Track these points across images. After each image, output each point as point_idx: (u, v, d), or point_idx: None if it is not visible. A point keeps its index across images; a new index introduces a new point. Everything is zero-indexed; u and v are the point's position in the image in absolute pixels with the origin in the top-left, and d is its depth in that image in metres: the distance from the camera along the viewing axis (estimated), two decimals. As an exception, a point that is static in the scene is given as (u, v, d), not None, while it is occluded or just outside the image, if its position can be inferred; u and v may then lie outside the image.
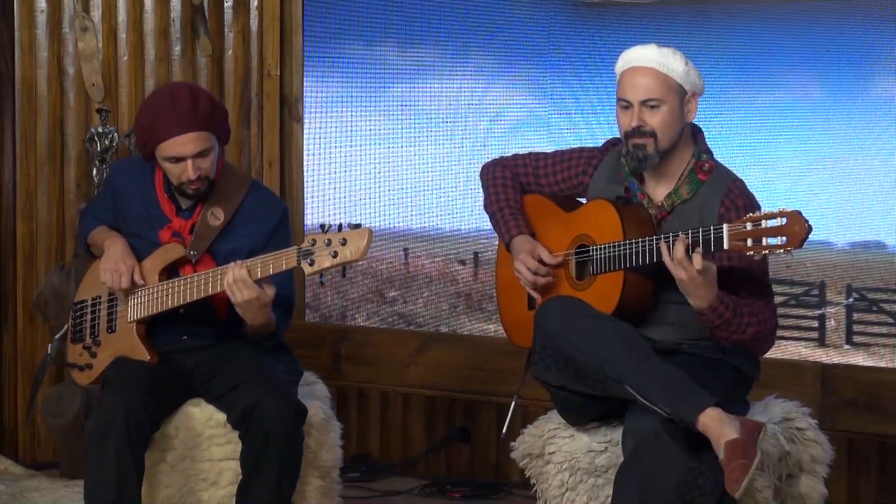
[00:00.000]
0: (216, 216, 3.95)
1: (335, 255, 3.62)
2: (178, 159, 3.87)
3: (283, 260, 3.72)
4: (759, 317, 3.58)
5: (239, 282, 3.74)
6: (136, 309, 3.97)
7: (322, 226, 3.58)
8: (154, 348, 3.97)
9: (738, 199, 3.65)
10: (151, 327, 3.99)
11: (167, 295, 3.91)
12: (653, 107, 3.63)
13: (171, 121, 3.85)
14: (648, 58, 3.64)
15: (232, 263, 3.78)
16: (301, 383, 4.08)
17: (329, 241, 3.63)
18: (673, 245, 3.48)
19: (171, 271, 3.95)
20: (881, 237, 4.56)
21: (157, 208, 4.02)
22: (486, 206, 3.98)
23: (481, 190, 4.02)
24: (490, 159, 4.06)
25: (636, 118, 3.63)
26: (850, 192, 4.57)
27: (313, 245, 3.65)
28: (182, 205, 4.01)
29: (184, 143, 3.86)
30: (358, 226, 3.72)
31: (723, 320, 3.53)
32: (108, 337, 4.03)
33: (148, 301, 3.95)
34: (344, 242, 3.61)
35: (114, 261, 3.98)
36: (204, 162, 3.89)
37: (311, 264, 3.65)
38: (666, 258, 3.49)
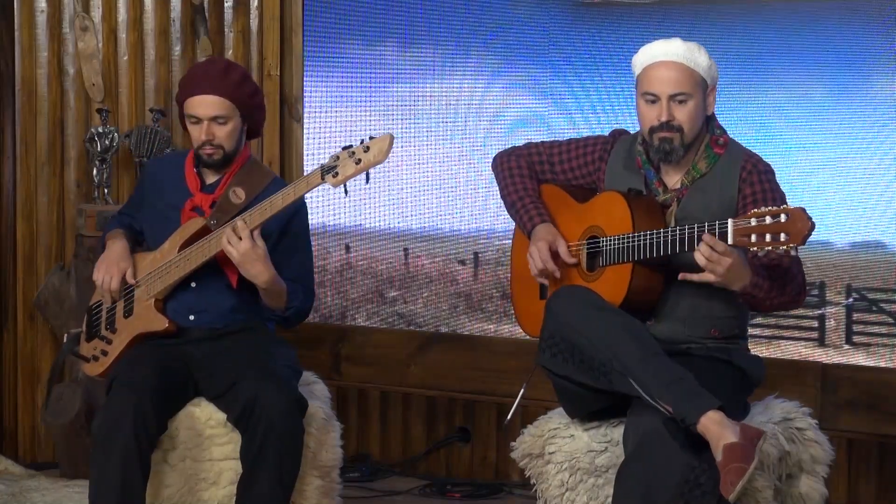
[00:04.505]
0: (238, 195, 4.02)
1: (358, 161, 3.72)
2: (197, 120, 4.00)
3: (305, 182, 3.83)
4: (790, 273, 3.60)
5: (233, 236, 3.83)
6: (155, 285, 4.02)
7: (345, 147, 3.73)
8: (171, 320, 4.02)
9: (759, 164, 3.69)
10: (164, 305, 4.05)
11: (184, 262, 3.97)
12: (681, 101, 3.65)
13: (199, 80, 4.01)
14: (675, 52, 3.66)
15: (232, 220, 3.89)
16: (301, 383, 4.09)
17: (353, 152, 3.73)
18: (670, 246, 3.50)
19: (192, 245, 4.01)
20: (881, 237, 4.56)
21: (183, 185, 4.10)
22: (505, 196, 3.97)
23: (495, 181, 4.02)
24: (502, 149, 4.05)
25: (665, 112, 3.64)
26: (850, 192, 4.57)
27: (336, 160, 3.75)
28: (207, 181, 4.08)
29: (203, 104, 3.99)
30: None
31: (764, 291, 3.56)
32: (125, 321, 4.06)
33: (167, 274, 4.00)
34: (367, 150, 3.71)
35: (106, 263, 4.08)
36: (219, 129, 4.00)
37: (335, 176, 3.74)
38: (694, 278, 3.51)
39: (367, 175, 3.74)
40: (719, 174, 3.69)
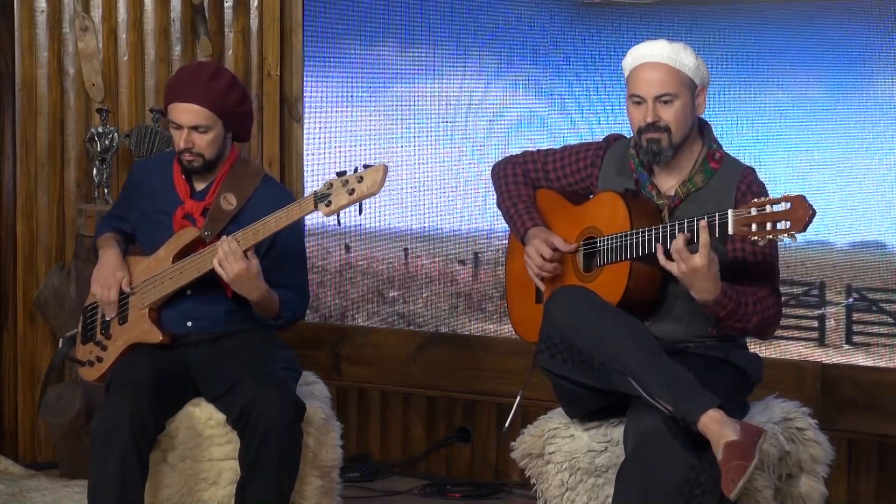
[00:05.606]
0: (229, 201, 4.02)
1: (352, 192, 3.70)
2: (178, 126, 3.98)
3: (298, 207, 3.81)
4: (763, 304, 3.60)
5: (230, 255, 3.81)
6: (149, 294, 4.01)
7: (339, 173, 3.71)
8: (166, 331, 4.01)
9: (754, 185, 3.69)
10: (158, 314, 4.04)
11: (178, 275, 3.97)
12: (666, 102, 3.65)
13: (183, 87, 3.98)
14: (660, 53, 3.66)
15: (223, 238, 3.86)
16: (301, 383, 4.09)
17: (346, 181, 3.71)
18: (671, 239, 3.50)
19: (186, 255, 4.00)
20: (881, 237, 4.56)
21: (172, 191, 4.08)
22: (500, 204, 3.99)
23: (493, 189, 4.03)
24: (500, 158, 4.07)
25: (650, 114, 3.65)
26: (850, 192, 4.57)
27: (330, 188, 3.73)
28: (196, 187, 4.07)
29: (183, 112, 3.96)
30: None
31: (727, 312, 3.55)
32: (120, 328, 4.06)
33: (161, 284, 3.99)
34: (360, 180, 3.69)
35: (103, 274, 4.08)
36: (199, 138, 3.98)
37: (329, 205, 3.73)
38: (662, 258, 3.51)
39: (361, 206, 3.73)
40: (715, 189, 3.69)
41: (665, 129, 3.66)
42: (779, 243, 3.62)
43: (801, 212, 3.34)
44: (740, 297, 3.56)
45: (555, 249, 3.80)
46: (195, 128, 3.96)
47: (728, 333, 3.65)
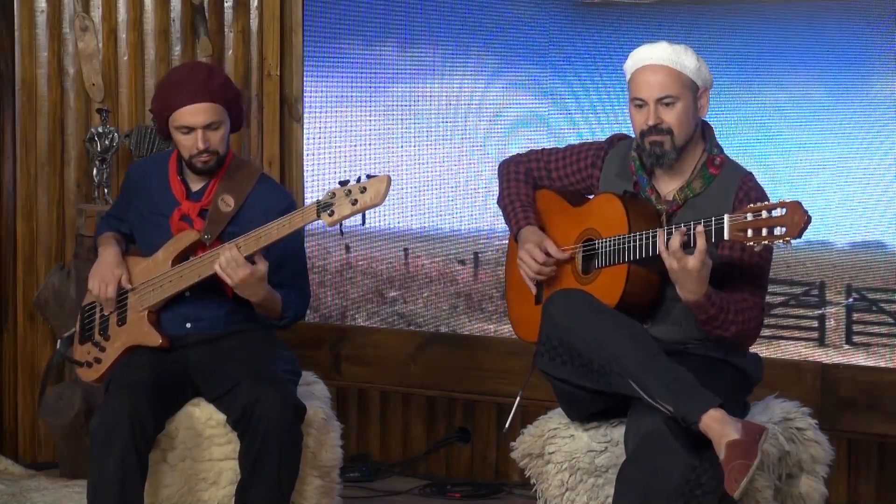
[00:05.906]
0: (227, 203, 4.01)
1: (355, 202, 3.70)
2: (189, 129, 3.96)
3: (301, 216, 3.80)
4: (744, 315, 3.60)
5: (232, 262, 3.81)
6: (148, 296, 4.01)
7: (342, 182, 3.71)
8: (165, 334, 4.01)
9: (752, 192, 3.67)
10: (157, 317, 4.03)
11: (178, 278, 3.96)
12: (668, 104, 3.64)
13: (185, 90, 3.96)
14: (661, 55, 3.66)
15: (224, 245, 3.85)
16: (301, 383, 4.09)
17: (349, 191, 3.70)
18: (669, 236, 3.49)
19: (185, 258, 4.00)
20: (881, 237, 4.56)
21: (168, 193, 4.08)
22: (499, 201, 4.00)
23: (498, 187, 4.04)
24: (501, 157, 4.08)
25: (652, 116, 3.64)
26: (850, 192, 4.57)
27: (333, 197, 3.72)
28: (192, 188, 4.06)
29: (195, 113, 3.95)
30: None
31: (707, 316, 3.55)
32: (119, 329, 4.06)
33: (160, 287, 3.99)
34: (363, 190, 3.69)
35: (101, 271, 4.07)
36: (213, 135, 3.97)
37: (331, 215, 3.72)
38: (661, 245, 3.50)
39: (364, 216, 3.73)
40: (713, 195, 3.68)
41: (667, 131, 3.65)
42: (774, 250, 3.62)
43: (797, 218, 3.34)
44: (724, 303, 3.56)
45: (548, 254, 3.80)
46: (209, 126, 3.96)
47: (708, 335, 3.65)
